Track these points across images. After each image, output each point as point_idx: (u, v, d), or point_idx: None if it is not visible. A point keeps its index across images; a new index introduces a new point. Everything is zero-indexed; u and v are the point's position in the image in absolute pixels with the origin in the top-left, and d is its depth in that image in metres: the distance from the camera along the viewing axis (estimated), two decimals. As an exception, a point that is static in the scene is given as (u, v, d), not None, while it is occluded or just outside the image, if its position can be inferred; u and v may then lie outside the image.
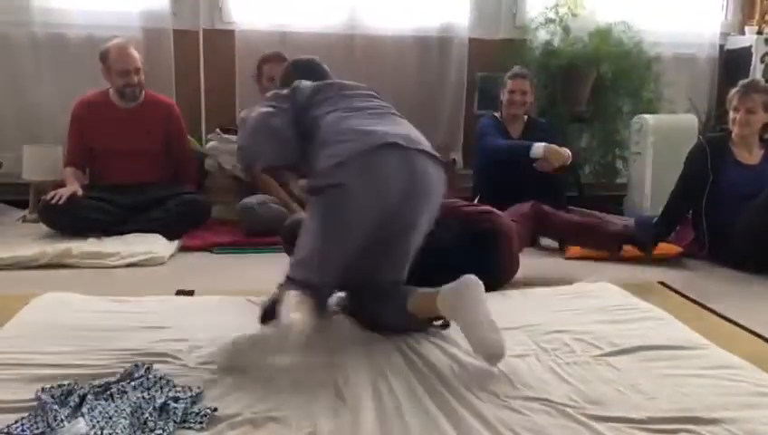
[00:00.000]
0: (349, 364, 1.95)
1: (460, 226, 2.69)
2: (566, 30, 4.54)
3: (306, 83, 2.38)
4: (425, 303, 2.07)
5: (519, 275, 2.89)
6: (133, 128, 3.78)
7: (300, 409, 1.69)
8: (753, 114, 3.40)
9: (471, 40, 4.69)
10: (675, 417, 1.68)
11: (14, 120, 4.33)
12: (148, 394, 1.71)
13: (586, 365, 1.99)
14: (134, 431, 1.56)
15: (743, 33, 5.03)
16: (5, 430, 1.56)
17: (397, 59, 4.60)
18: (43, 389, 1.70)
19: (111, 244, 3.37)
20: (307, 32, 4.47)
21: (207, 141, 4.32)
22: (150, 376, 1.81)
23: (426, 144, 2.19)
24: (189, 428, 1.61)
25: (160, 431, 1.57)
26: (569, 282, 2.87)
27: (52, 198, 3.54)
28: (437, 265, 2.27)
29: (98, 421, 1.57)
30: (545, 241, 3.61)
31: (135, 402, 1.66)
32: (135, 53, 3.76)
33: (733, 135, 3.49)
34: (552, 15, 4.56)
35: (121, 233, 3.53)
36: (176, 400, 1.69)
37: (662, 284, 3.01)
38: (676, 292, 2.89)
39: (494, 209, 2.86)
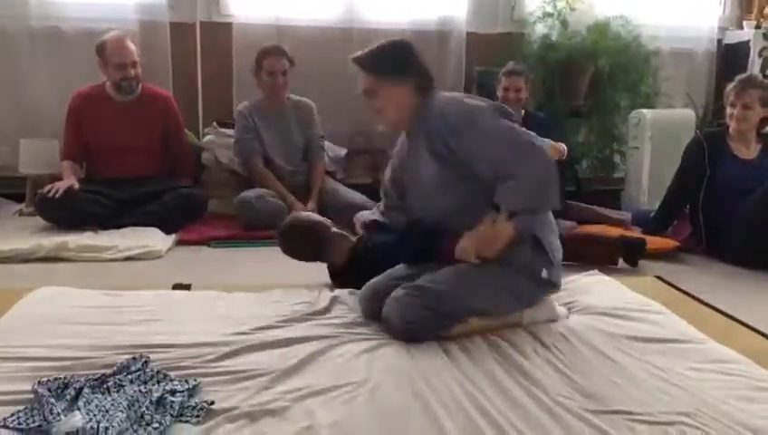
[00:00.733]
0: (349, 363, 1.95)
1: None
2: (564, 24, 4.53)
3: None
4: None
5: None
6: (130, 121, 3.77)
7: (297, 403, 1.69)
8: (749, 109, 3.40)
9: (469, 34, 4.67)
10: (672, 411, 1.68)
11: (10, 113, 4.31)
12: (145, 388, 1.71)
13: (584, 358, 1.99)
14: (131, 425, 1.56)
15: (741, 27, 5.02)
16: (2, 423, 1.56)
17: (394, 53, 4.59)
18: (39, 382, 1.69)
19: (108, 237, 3.37)
20: (304, 25, 4.45)
21: (204, 135, 4.32)
22: (147, 369, 1.81)
23: None
24: (186, 421, 1.60)
25: (157, 425, 1.57)
26: (566, 276, 2.86)
27: (49, 191, 3.53)
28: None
29: (94, 415, 1.57)
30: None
31: (132, 396, 1.65)
32: (132, 46, 3.75)
33: (730, 130, 3.49)
34: (550, 9, 4.55)
35: (118, 227, 3.52)
36: (172, 393, 1.69)
37: (659, 278, 3.01)
38: (674, 286, 2.89)
39: None
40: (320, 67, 4.31)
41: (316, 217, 2.79)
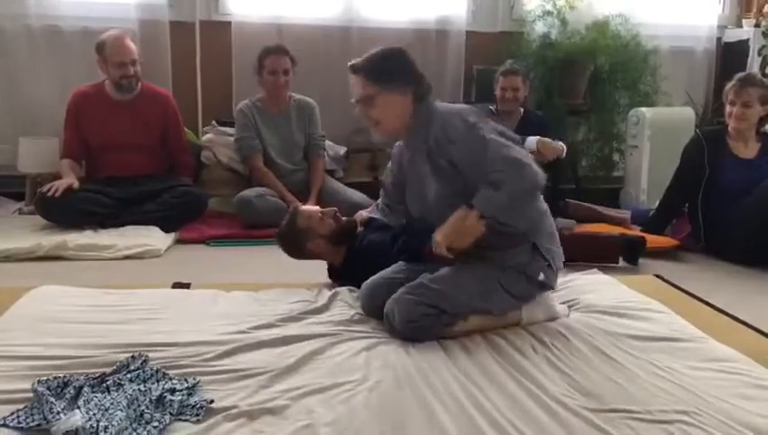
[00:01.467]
0: (348, 361, 1.95)
1: None
2: (563, 23, 4.53)
3: None
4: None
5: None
6: (130, 120, 3.77)
7: (296, 402, 1.69)
8: (749, 108, 3.40)
9: (468, 33, 4.67)
10: (671, 409, 1.68)
11: (10, 112, 4.31)
12: (145, 386, 1.71)
13: (583, 357, 1.99)
14: (130, 423, 1.56)
15: (740, 25, 5.02)
16: (2, 422, 1.56)
17: (394, 52, 4.59)
18: (39, 381, 1.69)
19: (108, 236, 3.37)
20: (304, 23, 4.45)
21: (204, 134, 4.32)
22: (146, 368, 1.81)
23: None
24: (186, 420, 1.61)
25: (156, 423, 1.57)
26: (565, 275, 2.87)
27: (49, 190, 3.53)
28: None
29: (94, 413, 1.57)
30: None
31: (131, 394, 1.65)
32: (131, 45, 3.75)
33: (729, 129, 3.49)
34: (549, 8, 4.55)
35: (118, 225, 3.52)
36: (172, 392, 1.69)
37: (659, 277, 3.02)
38: (673, 285, 2.89)
39: None
40: (319, 66, 4.31)
41: (313, 209, 2.75)
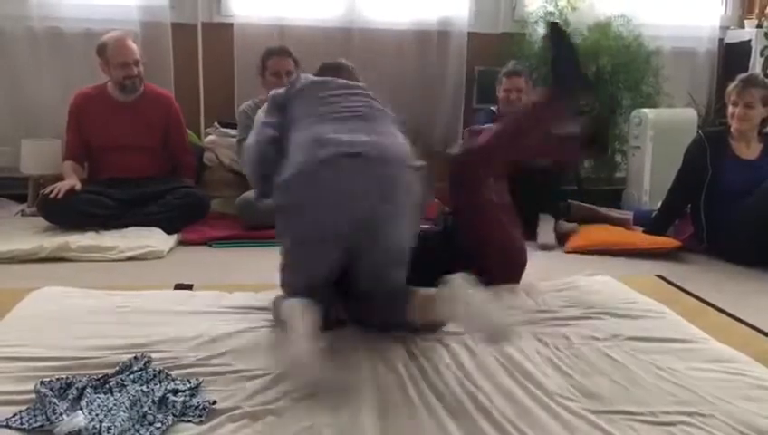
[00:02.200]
0: (349, 361, 1.95)
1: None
2: (565, 23, 4.53)
3: (302, 83, 2.40)
4: (426, 302, 2.01)
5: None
6: (132, 121, 3.77)
7: (299, 403, 1.69)
8: (751, 109, 3.40)
9: (470, 34, 4.67)
10: (673, 410, 1.68)
11: (12, 114, 4.31)
12: (147, 387, 1.71)
13: (585, 358, 1.99)
14: (133, 424, 1.56)
15: (742, 26, 5.02)
16: (4, 423, 1.56)
17: (395, 53, 4.59)
18: (41, 382, 1.70)
19: (110, 238, 3.37)
20: (305, 25, 4.46)
21: (206, 135, 4.32)
22: (149, 369, 1.81)
23: (390, 148, 2.09)
24: (189, 421, 1.61)
25: (159, 424, 1.57)
26: (568, 276, 2.86)
27: (51, 191, 3.53)
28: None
29: (97, 414, 1.58)
30: (543, 238, 3.59)
31: (134, 395, 1.66)
32: (133, 45, 3.75)
33: (731, 129, 3.49)
34: (551, 9, 4.55)
35: (120, 227, 3.52)
36: (175, 393, 1.69)
37: (661, 277, 3.01)
38: (675, 286, 2.89)
39: None
40: (320, 67, 4.31)
41: None
